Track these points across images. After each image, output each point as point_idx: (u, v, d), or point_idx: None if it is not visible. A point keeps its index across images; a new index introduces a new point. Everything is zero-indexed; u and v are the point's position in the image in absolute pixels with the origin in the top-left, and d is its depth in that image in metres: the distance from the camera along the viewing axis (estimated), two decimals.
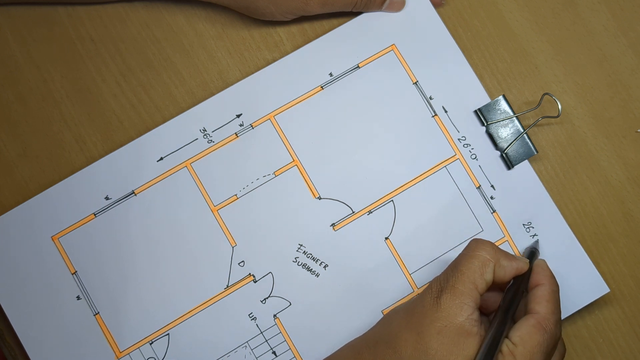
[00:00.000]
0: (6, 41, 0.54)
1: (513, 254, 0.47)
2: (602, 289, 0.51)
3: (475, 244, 0.45)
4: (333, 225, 0.52)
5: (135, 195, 0.51)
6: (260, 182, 0.52)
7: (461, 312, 0.43)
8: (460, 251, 0.51)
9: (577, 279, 0.51)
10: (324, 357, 0.50)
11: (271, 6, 0.51)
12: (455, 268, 0.44)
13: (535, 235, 0.52)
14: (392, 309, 0.47)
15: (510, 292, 0.45)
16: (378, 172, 0.52)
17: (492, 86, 0.54)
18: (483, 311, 0.47)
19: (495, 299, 0.47)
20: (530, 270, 0.46)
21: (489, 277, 0.44)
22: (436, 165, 0.52)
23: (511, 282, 0.46)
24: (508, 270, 0.45)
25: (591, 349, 0.52)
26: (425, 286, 0.50)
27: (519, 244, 0.52)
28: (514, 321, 0.44)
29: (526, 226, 0.52)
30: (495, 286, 0.46)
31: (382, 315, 0.51)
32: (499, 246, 0.51)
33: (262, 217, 0.52)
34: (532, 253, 0.49)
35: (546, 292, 0.45)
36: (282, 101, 0.52)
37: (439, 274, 0.46)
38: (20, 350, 0.51)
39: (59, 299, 0.51)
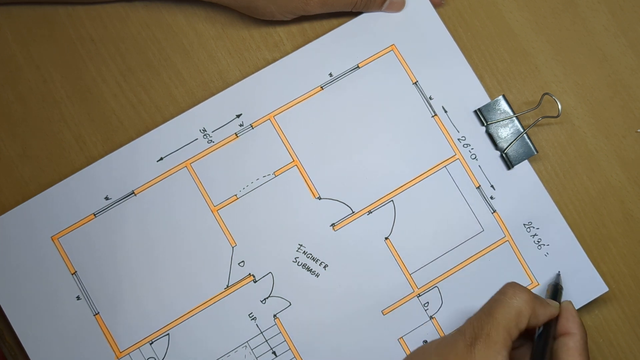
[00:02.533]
0: (6, 41, 0.54)
1: (544, 299, 0.46)
2: (601, 288, 0.51)
3: (513, 291, 0.44)
4: (333, 225, 0.52)
5: (135, 195, 0.51)
6: (260, 182, 0.52)
7: None
8: (461, 249, 0.51)
9: (577, 279, 0.51)
10: (323, 357, 0.50)
11: (271, 6, 0.51)
12: (490, 314, 0.43)
13: (535, 235, 0.52)
14: (420, 348, 0.46)
15: (542, 341, 0.44)
16: (378, 172, 0.52)
17: (492, 86, 0.54)
18: None
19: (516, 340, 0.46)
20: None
21: (523, 326, 0.43)
22: (436, 165, 0.52)
23: (541, 327, 0.46)
24: (541, 319, 0.44)
25: (591, 349, 0.52)
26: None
27: (519, 244, 0.52)
28: None
29: (526, 226, 0.52)
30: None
31: (382, 316, 0.51)
32: (500, 246, 0.52)
33: (262, 217, 0.52)
34: (556, 289, 0.49)
35: (578, 343, 0.44)
36: (282, 101, 0.52)
37: (471, 317, 0.45)
38: (20, 350, 0.51)
39: (58, 299, 0.51)
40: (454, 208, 0.52)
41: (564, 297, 0.50)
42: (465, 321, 0.45)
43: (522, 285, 0.45)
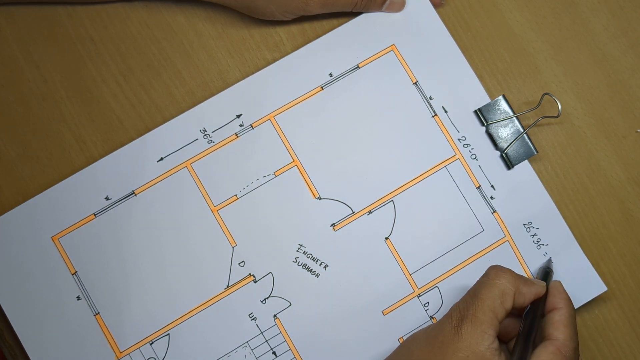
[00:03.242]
0: (6, 41, 0.54)
1: (531, 278, 0.47)
2: (599, 288, 0.51)
3: (495, 272, 0.45)
4: (333, 225, 0.52)
5: (136, 195, 0.51)
6: (260, 182, 0.52)
7: (482, 342, 0.42)
8: (462, 249, 0.51)
9: (576, 278, 0.51)
10: (324, 357, 0.50)
11: (271, 6, 0.51)
12: (475, 296, 0.44)
13: (535, 234, 0.52)
14: (410, 336, 0.47)
15: (529, 318, 0.45)
16: (378, 172, 0.52)
17: (492, 86, 0.54)
18: (500, 338, 0.46)
19: (510, 323, 0.47)
20: (546, 292, 0.46)
21: (508, 305, 0.44)
22: (436, 165, 0.52)
23: (528, 306, 0.46)
24: (527, 297, 0.45)
25: (591, 349, 0.52)
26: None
27: (519, 244, 0.52)
28: (534, 347, 0.44)
29: (526, 226, 0.52)
30: (511, 312, 0.45)
31: (382, 316, 0.51)
32: (500, 246, 0.52)
33: (262, 217, 0.52)
34: (546, 273, 0.49)
35: (564, 316, 0.45)
36: (282, 101, 0.52)
37: (457, 301, 0.45)
38: (20, 350, 0.51)
39: (59, 299, 0.51)
40: (454, 208, 0.52)
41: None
42: (451, 306, 0.45)
43: (504, 267, 0.46)
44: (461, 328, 0.43)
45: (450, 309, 0.45)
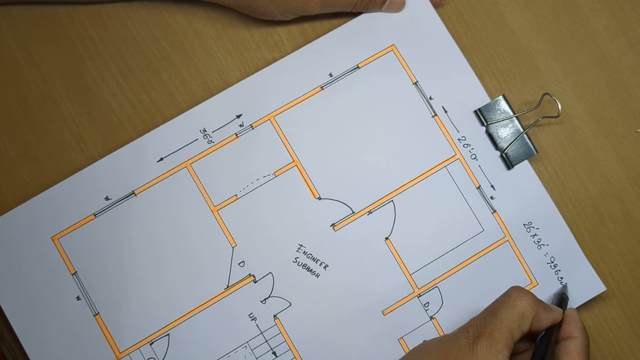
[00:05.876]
0: (6, 41, 0.54)
1: (549, 304, 0.47)
2: (599, 288, 0.51)
3: (517, 293, 0.45)
4: (333, 225, 0.52)
5: (135, 195, 0.51)
6: (260, 183, 0.52)
7: None
8: (461, 249, 0.51)
9: (575, 278, 0.51)
10: (324, 358, 0.50)
11: (271, 6, 0.51)
12: (494, 314, 0.44)
13: (535, 235, 0.52)
14: (421, 345, 0.47)
15: (543, 344, 0.45)
16: (378, 172, 0.52)
17: (492, 86, 0.54)
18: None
19: (521, 344, 0.47)
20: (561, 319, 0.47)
21: (526, 328, 0.44)
22: (436, 165, 0.52)
23: (543, 332, 0.46)
24: (544, 323, 0.45)
25: (591, 349, 0.52)
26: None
27: (519, 244, 0.52)
28: None
29: (526, 226, 0.52)
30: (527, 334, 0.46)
31: (382, 316, 0.51)
32: (500, 246, 0.52)
33: (262, 217, 0.52)
34: (561, 299, 0.49)
35: (579, 346, 0.45)
36: (282, 101, 0.52)
37: (475, 316, 0.45)
38: (20, 350, 0.51)
39: (59, 299, 0.51)
40: (454, 208, 0.52)
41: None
42: (468, 320, 0.45)
43: (526, 289, 0.46)
44: (477, 345, 0.43)
45: (467, 323, 0.45)
